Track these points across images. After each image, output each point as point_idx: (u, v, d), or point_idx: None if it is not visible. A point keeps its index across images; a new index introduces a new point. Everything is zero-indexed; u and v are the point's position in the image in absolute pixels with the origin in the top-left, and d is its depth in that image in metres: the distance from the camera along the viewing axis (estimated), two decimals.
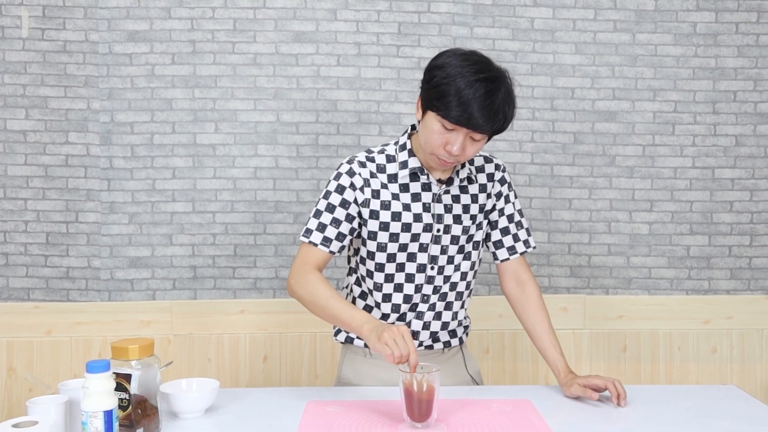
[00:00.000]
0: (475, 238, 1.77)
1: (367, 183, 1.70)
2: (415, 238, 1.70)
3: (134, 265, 2.64)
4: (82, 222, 2.62)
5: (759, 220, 2.71)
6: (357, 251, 1.78)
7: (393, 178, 1.71)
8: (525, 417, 1.53)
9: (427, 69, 1.61)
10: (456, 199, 1.74)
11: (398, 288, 1.73)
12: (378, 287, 1.74)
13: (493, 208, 1.80)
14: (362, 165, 1.71)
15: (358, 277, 1.79)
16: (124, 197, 2.62)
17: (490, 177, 1.79)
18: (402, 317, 1.75)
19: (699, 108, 2.68)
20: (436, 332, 1.78)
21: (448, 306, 1.77)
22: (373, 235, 1.71)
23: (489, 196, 1.78)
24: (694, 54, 2.67)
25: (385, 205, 1.70)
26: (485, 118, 1.53)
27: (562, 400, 1.68)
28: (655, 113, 2.68)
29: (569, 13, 2.65)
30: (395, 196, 1.70)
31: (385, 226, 1.70)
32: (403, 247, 1.71)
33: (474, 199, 1.76)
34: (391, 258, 1.71)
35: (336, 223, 1.69)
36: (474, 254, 1.78)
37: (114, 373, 1.36)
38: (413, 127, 1.76)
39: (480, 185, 1.77)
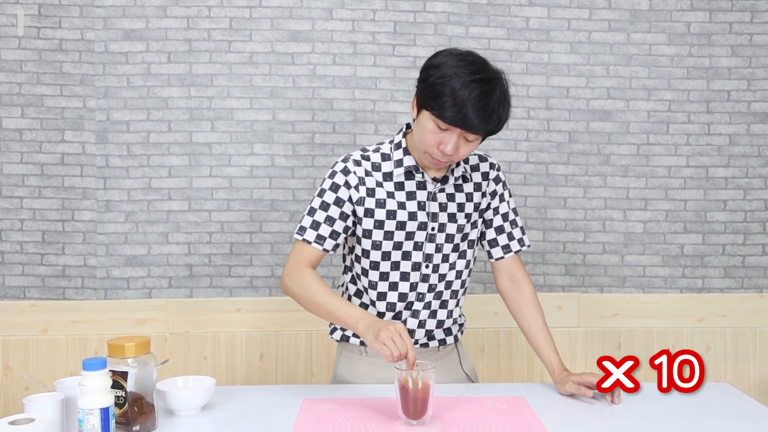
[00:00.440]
0: (470, 237, 1.77)
1: (362, 181, 1.70)
2: (409, 236, 1.71)
3: (130, 264, 2.64)
4: (78, 220, 2.62)
5: (752, 219, 2.72)
6: (352, 249, 1.78)
7: (388, 176, 1.72)
8: (520, 414, 1.54)
9: (423, 68, 1.62)
10: (451, 197, 1.74)
11: (393, 286, 1.74)
12: (373, 285, 1.75)
13: (488, 206, 1.81)
14: (357, 163, 1.72)
15: (353, 276, 1.80)
16: (120, 195, 2.62)
17: (485, 176, 1.80)
18: (397, 315, 1.76)
19: (693, 107, 2.69)
20: (432, 330, 1.78)
21: (444, 304, 1.78)
22: (368, 233, 1.71)
23: (484, 194, 1.79)
24: (688, 53, 2.68)
25: (380, 204, 1.70)
26: (479, 119, 1.54)
27: (557, 397, 1.69)
28: (649, 112, 2.69)
29: (564, 13, 2.66)
30: (390, 195, 1.71)
31: (379, 224, 1.70)
32: (397, 246, 1.71)
33: (469, 197, 1.76)
34: (386, 256, 1.72)
35: (330, 221, 1.69)
36: (469, 252, 1.79)
37: (110, 370, 1.37)
38: (408, 126, 1.76)
39: (475, 184, 1.78)
